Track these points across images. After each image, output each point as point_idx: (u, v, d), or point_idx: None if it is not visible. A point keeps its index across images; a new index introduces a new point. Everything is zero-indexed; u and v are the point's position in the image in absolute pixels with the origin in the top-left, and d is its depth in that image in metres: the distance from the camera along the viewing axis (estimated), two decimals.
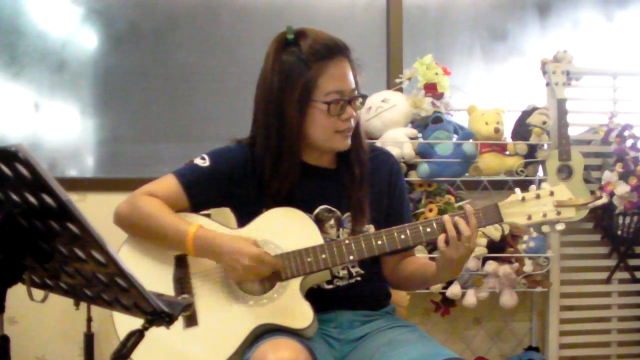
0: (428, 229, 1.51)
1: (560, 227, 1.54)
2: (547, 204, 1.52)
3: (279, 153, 1.55)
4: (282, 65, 1.53)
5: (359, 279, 1.62)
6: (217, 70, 2.93)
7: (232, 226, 1.61)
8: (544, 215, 1.52)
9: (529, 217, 1.52)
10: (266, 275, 1.48)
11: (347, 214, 1.62)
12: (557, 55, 2.77)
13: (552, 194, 1.52)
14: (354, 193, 1.61)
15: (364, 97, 1.60)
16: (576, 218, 2.69)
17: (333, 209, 1.62)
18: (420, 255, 2.31)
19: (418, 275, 1.65)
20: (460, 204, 2.62)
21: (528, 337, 2.94)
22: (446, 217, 1.47)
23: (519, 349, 2.89)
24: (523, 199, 1.52)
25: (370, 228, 1.63)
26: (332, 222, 1.61)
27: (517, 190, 1.55)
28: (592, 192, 2.61)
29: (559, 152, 2.65)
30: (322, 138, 1.57)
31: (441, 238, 1.47)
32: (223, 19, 2.97)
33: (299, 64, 1.51)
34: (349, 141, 1.60)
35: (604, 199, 2.62)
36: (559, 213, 1.51)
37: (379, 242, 1.51)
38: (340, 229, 1.62)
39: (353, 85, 1.57)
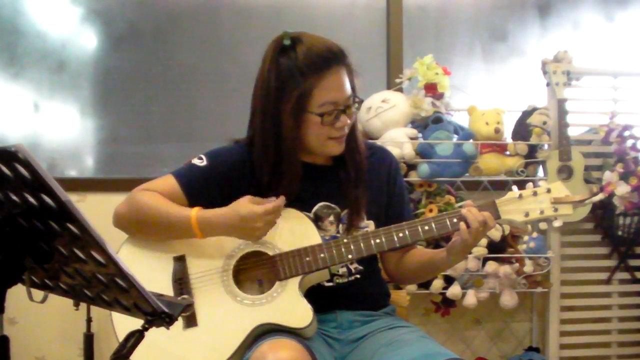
0: (426, 227, 1.52)
1: (557, 223, 1.55)
2: (544, 201, 1.52)
3: (277, 156, 1.56)
4: (278, 72, 1.53)
5: (358, 276, 1.63)
6: (217, 70, 2.93)
7: None
8: (541, 212, 1.52)
9: (527, 214, 1.52)
10: (273, 217, 1.48)
11: (346, 210, 1.63)
12: (558, 56, 2.77)
13: (549, 191, 1.53)
14: (350, 192, 1.62)
15: (360, 102, 1.60)
16: (577, 218, 2.73)
17: (333, 205, 1.63)
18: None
19: (427, 265, 1.66)
20: (460, 204, 2.62)
21: (528, 338, 2.94)
22: (464, 211, 1.50)
23: (520, 349, 2.89)
24: (520, 196, 1.52)
25: (371, 224, 1.64)
26: (331, 218, 1.62)
27: (514, 187, 1.56)
28: (589, 188, 2.61)
29: (559, 153, 2.65)
30: (316, 144, 1.58)
31: (463, 226, 1.49)
32: (223, 19, 2.96)
33: (295, 72, 1.51)
34: (343, 146, 1.61)
35: (601, 195, 2.62)
36: (556, 210, 1.51)
37: (378, 241, 1.52)
38: (340, 225, 1.62)
39: (348, 93, 1.56)
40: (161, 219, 1.52)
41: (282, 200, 1.49)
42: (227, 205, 1.67)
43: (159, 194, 1.56)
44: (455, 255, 1.57)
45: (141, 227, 1.57)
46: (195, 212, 1.50)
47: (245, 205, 1.47)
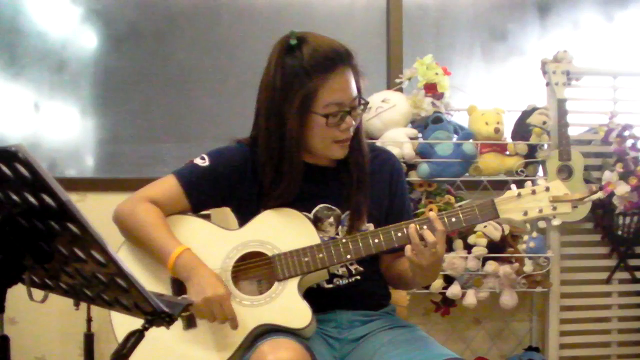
0: (425, 227, 1.51)
1: (556, 222, 1.54)
2: (542, 199, 1.52)
3: (280, 156, 1.55)
4: (284, 72, 1.52)
5: (358, 277, 1.62)
6: (217, 70, 2.93)
7: (232, 226, 1.61)
8: (540, 211, 1.52)
9: (525, 213, 1.51)
10: (219, 319, 1.45)
11: (347, 213, 1.62)
12: (557, 55, 2.77)
13: (547, 189, 1.52)
14: (352, 195, 1.61)
15: (366, 104, 1.59)
16: (577, 217, 2.73)
17: (333, 207, 1.62)
18: None
19: (404, 276, 1.65)
20: (460, 204, 2.62)
21: (528, 337, 2.94)
22: (412, 227, 1.47)
23: (519, 349, 2.89)
24: (519, 195, 1.52)
25: (370, 227, 1.63)
26: (331, 220, 1.61)
27: (513, 186, 1.55)
28: (589, 187, 2.61)
29: (559, 152, 2.65)
30: (320, 146, 1.57)
31: (408, 248, 1.47)
32: (223, 19, 2.97)
33: (300, 72, 1.49)
34: (346, 150, 1.60)
35: (600, 194, 2.62)
36: (554, 208, 1.51)
37: (376, 241, 1.51)
38: (340, 227, 1.62)
39: (354, 94, 1.54)
40: (146, 241, 1.53)
41: (235, 319, 1.46)
42: (227, 206, 1.68)
43: (160, 211, 1.56)
44: (418, 276, 1.55)
45: (129, 237, 1.58)
46: (180, 252, 1.48)
47: (221, 294, 1.44)
